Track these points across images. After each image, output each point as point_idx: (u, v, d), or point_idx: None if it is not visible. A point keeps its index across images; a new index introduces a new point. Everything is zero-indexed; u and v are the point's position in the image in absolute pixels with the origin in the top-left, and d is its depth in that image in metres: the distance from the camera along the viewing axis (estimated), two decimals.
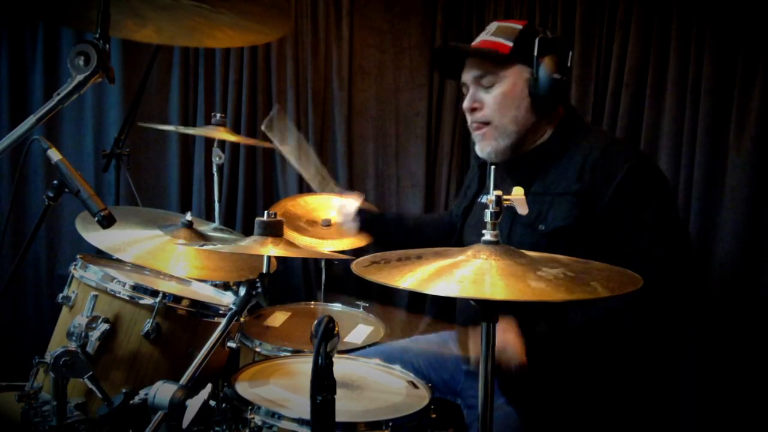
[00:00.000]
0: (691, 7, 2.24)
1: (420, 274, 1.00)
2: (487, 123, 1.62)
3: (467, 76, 1.65)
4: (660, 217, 1.50)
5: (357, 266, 1.07)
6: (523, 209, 1.09)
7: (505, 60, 1.59)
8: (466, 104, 1.65)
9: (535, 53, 1.57)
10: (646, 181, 1.52)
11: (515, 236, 1.56)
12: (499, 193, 1.06)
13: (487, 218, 1.06)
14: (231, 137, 2.18)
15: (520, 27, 1.62)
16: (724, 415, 2.18)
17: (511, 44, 1.59)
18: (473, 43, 1.67)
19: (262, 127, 2.09)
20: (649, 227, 1.48)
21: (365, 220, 1.99)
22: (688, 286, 1.54)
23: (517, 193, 1.09)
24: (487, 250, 1.04)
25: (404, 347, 1.83)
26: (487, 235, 1.06)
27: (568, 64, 1.60)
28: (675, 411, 2.24)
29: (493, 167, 1.11)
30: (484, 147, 1.64)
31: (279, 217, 1.42)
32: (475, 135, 1.66)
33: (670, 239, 1.50)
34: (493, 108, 1.61)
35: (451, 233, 1.89)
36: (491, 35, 1.63)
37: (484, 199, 1.73)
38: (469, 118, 1.66)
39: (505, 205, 1.08)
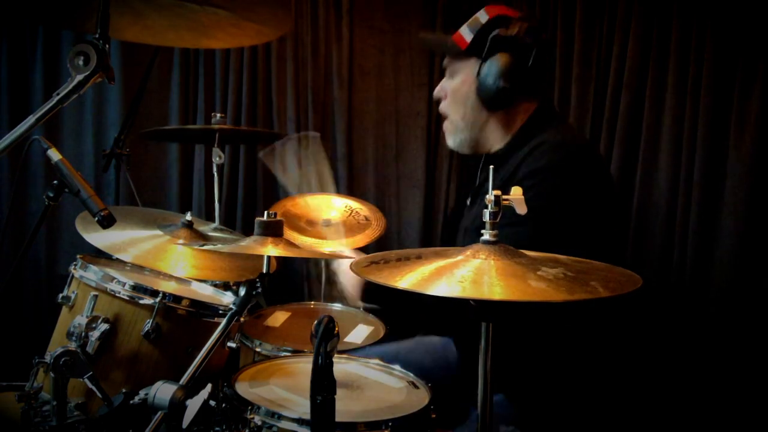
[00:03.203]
0: (691, 7, 2.24)
1: (419, 275, 1.00)
2: (445, 115, 1.66)
3: (444, 63, 1.68)
4: (531, 216, 1.36)
5: (356, 266, 1.08)
6: (521, 209, 1.08)
7: (462, 54, 1.57)
8: (436, 89, 1.68)
9: (485, 51, 1.53)
10: (541, 181, 1.44)
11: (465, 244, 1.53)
12: (498, 192, 1.06)
13: (486, 218, 1.06)
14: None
15: (486, 19, 1.56)
16: (724, 416, 2.18)
17: (470, 39, 1.56)
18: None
19: (260, 155, 2.05)
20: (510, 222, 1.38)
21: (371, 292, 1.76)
22: None
23: (516, 192, 1.08)
24: (486, 250, 1.04)
25: (406, 348, 1.83)
26: (486, 235, 1.06)
27: (530, 64, 1.52)
28: (674, 412, 2.24)
29: (491, 167, 1.11)
30: (447, 139, 1.69)
31: (279, 217, 1.42)
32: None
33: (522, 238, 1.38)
34: (449, 101, 1.64)
35: None
36: (467, 25, 1.60)
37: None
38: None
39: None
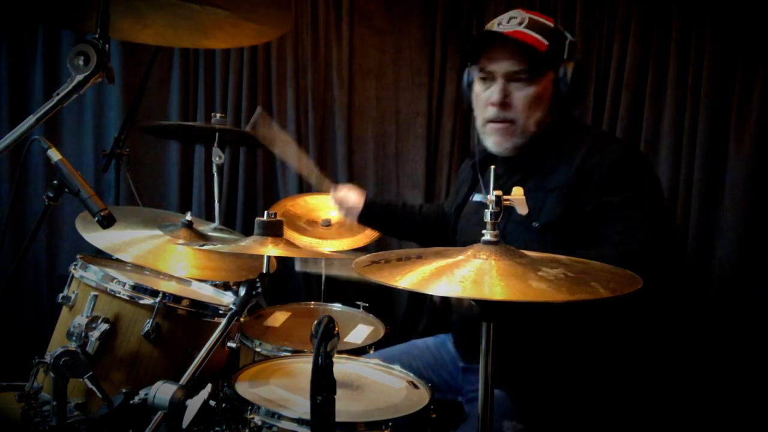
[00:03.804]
0: (691, 7, 2.24)
1: (420, 274, 1.00)
2: (510, 120, 1.55)
3: (500, 67, 1.53)
4: (649, 198, 1.49)
5: (357, 266, 1.07)
6: (522, 209, 1.08)
7: (543, 59, 1.52)
8: (496, 97, 1.53)
9: (565, 56, 1.54)
10: (633, 168, 1.51)
11: (509, 234, 1.54)
12: (499, 193, 1.06)
13: (487, 218, 1.06)
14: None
15: (552, 25, 1.56)
16: (724, 415, 2.18)
17: (547, 42, 1.51)
18: (507, 31, 1.52)
19: (247, 129, 2.06)
20: (639, 207, 1.46)
21: (371, 214, 1.95)
22: (674, 273, 1.52)
23: (517, 193, 1.08)
24: (487, 250, 1.04)
25: (402, 351, 1.83)
26: (487, 235, 1.06)
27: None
28: (674, 411, 2.24)
29: (492, 167, 1.11)
30: (501, 142, 1.57)
31: (279, 217, 1.42)
32: (492, 127, 1.58)
33: (660, 220, 1.48)
34: (522, 107, 1.54)
35: (444, 229, 1.89)
36: (526, 28, 1.52)
37: (477, 197, 1.75)
38: (492, 110, 1.56)
39: (504, 205, 1.07)
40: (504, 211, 1.08)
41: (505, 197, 1.07)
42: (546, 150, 1.58)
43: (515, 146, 1.57)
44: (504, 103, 1.54)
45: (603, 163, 1.49)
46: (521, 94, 1.53)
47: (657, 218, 1.47)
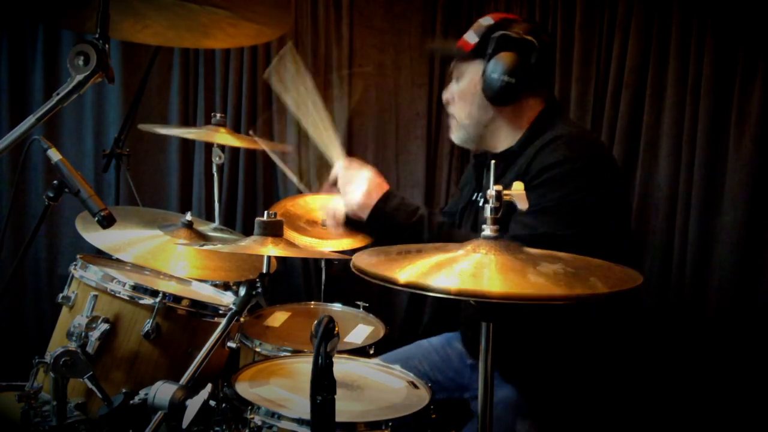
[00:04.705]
0: (691, 7, 2.24)
1: (419, 268, 1.00)
2: (453, 116, 1.72)
3: (450, 68, 1.76)
4: (565, 207, 1.47)
5: (356, 260, 1.07)
6: (523, 204, 1.08)
7: (466, 56, 1.63)
8: (443, 97, 1.76)
9: (489, 51, 1.58)
10: (563, 175, 1.48)
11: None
12: (500, 188, 1.06)
13: (487, 213, 1.06)
14: (230, 140, 2.17)
15: (490, 23, 1.63)
16: (723, 418, 2.18)
17: (476, 41, 1.62)
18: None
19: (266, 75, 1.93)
20: (548, 208, 1.45)
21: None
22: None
23: (517, 188, 1.08)
24: (487, 245, 1.04)
25: (408, 353, 1.82)
26: (487, 230, 1.06)
27: (533, 61, 1.56)
28: (674, 414, 2.24)
29: (493, 162, 1.11)
30: (451, 134, 1.77)
31: (279, 217, 1.42)
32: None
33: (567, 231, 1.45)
34: (455, 101, 1.70)
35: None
36: (470, 30, 1.67)
37: (481, 199, 1.75)
38: None
39: (505, 201, 1.07)
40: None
41: (506, 192, 1.07)
42: (517, 151, 1.60)
43: (459, 138, 1.73)
44: (447, 101, 1.74)
45: (540, 164, 1.50)
46: (454, 91, 1.71)
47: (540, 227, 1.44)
